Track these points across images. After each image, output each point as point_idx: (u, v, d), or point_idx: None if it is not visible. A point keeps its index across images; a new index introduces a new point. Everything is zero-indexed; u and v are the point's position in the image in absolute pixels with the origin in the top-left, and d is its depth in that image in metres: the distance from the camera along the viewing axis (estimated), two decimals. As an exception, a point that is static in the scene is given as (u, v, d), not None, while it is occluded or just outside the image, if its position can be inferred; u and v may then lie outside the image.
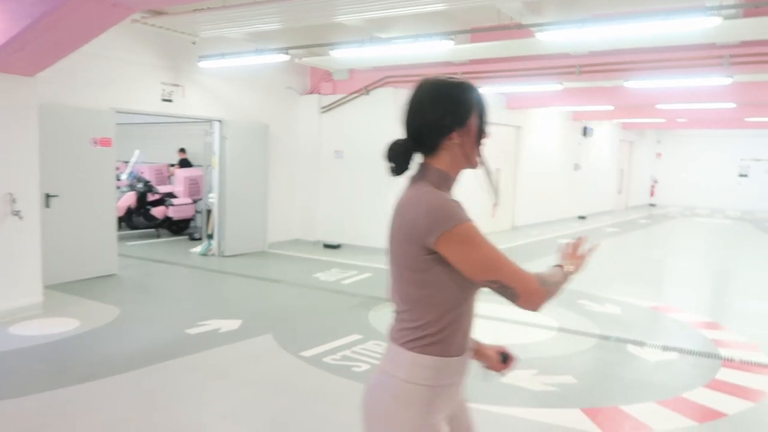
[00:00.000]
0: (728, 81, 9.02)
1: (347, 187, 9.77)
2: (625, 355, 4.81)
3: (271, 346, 4.78)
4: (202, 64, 8.09)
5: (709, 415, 3.66)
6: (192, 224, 10.92)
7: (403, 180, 1.60)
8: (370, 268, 8.05)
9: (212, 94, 8.64)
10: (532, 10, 6.28)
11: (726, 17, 5.49)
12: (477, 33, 6.97)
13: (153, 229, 10.85)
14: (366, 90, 9.56)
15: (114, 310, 5.67)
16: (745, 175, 21.39)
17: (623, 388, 4.13)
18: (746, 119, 15.32)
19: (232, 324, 5.28)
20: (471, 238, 1.43)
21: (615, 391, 4.06)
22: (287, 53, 7.66)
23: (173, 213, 10.54)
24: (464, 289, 1.50)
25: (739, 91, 10.38)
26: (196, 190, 10.87)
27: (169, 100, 8.01)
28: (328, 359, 4.45)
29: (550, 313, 5.96)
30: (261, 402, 3.77)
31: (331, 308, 6.02)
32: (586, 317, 5.87)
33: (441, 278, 1.47)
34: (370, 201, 9.37)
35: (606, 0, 6.31)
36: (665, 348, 4.95)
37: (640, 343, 5.05)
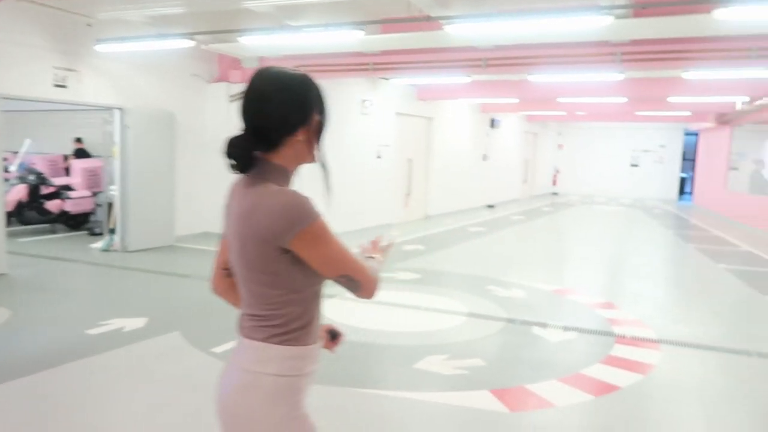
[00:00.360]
0: (620, 77, 9.66)
1: (259, 178, 9.56)
2: (530, 336, 5.07)
3: (179, 343, 4.62)
4: (100, 47, 7.61)
5: (604, 388, 3.93)
6: (92, 218, 10.29)
7: (235, 176, 1.55)
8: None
9: (112, 81, 8.16)
10: (440, 4, 6.40)
11: (618, 17, 5.85)
12: (388, 24, 7.02)
13: (48, 225, 10.12)
14: (277, 79, 9.37)
15: (4, 312, 5.25)
16: (636, 165, 23.06)
17: (528, 368, 4.35)
18: (636, 113, 16.50)
19: (137, 322, 5.04)
20: (324, 235, 1.45)
21: (521, 372, 4.26)
22: (193, 39, 7.37)
23: (70, 207, 9.89)
24: (317, 282, 1.53)
25: (629, 86, 11.16)
26: (95, 182, 10.24)
27: (63, 86, 7.49)
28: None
29: (460, 299, 6.16)
30: (170, 401, 3.64)
31: (244, 302, 5.86)
32: (494, 302, 6.12)
33: (297, 276, 1.47)
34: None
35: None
36: (566, 328, 5.26)
37: (543, 325, 5.34)
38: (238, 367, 1.52)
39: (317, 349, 1.59)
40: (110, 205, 8.75)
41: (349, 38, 6.84)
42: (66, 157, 11.00)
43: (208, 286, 1.75)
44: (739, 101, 12.84)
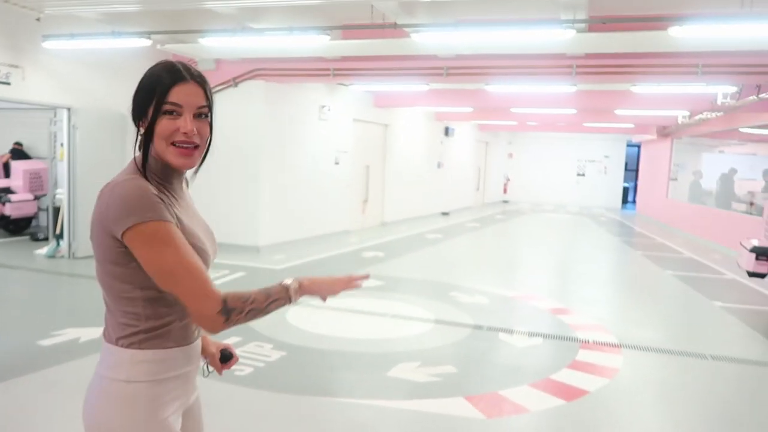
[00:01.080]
0: (572, 89, 9.95)
1: (214, 183, 9.32)
2: (497, 342, 5.11)
3: (140, 354, 4.41)
4: (48, 44, 7.24)
5: (575, 393, 3.99)
6: (35, 223, 9.78)
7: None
8: (243, 267, 7.76)
9: (59, 79, 7.78)
10: (406, 11, 6.42)
11: (578, 30, 6.01)
12: (351, 30, 6.99)
13: (-15, 229, 9.57)
14: (234, 82, 9.19)
15: (-57, 324, 4.90)
16: (583, 175, 23.81)
17: (499, 373, 4.38)
18: (584, 124, 17.04)
19: (93, 332, 4.79)
20: (158, 239, 1.31)
21: (492, 378, 4.28)
22: (149, 38, 7.12)
23: (11, 210, 9.37)
24: None
25: (580, 98, 11.51)
26: (38, 185, 9.74)
27: (7, 83, 7.09)
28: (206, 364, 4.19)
29: (426, 306, 6.16)
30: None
31: (204, 310, 5.66)
32: (459, 308, 6.15)
33: (140, 273, 1.36)
34: (241, 197, 9.04)
35: (472, 6, 6.62)
36: (531, 334, 5.33)
37: (509, 331, 5.39)
38: (96, 372, 1.45)
39: (183, 353, 1.46)
40: (57, 210, 8.33)
41: (313, 43, 6.76)
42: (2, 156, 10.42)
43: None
44: (681, 115, 13.44)
